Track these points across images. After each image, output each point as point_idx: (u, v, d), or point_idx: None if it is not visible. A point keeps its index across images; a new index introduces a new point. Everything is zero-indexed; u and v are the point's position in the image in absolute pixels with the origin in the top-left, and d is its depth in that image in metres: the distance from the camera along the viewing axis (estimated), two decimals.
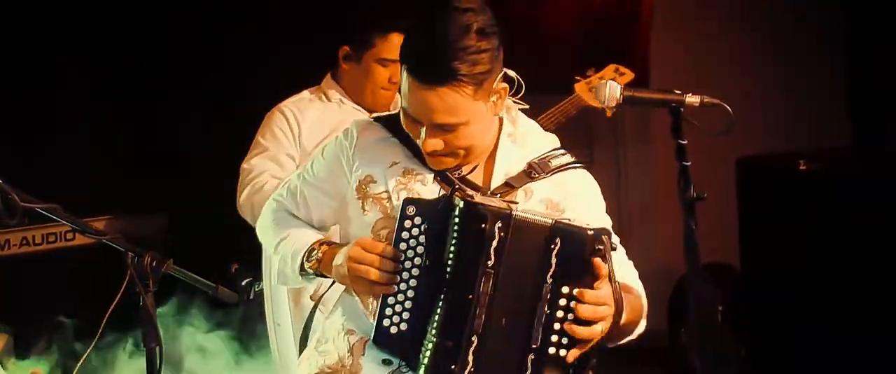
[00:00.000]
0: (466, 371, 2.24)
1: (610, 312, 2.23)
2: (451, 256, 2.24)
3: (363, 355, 2.37)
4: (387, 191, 2.38)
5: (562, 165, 2.44)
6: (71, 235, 4.45)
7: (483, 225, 2.22)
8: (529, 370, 2.23)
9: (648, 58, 5.44)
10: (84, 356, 3.03)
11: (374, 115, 2.54)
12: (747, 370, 5.19)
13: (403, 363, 2.32)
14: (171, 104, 4.87)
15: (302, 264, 2.46)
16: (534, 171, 2.40)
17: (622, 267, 2.40)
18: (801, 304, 5.00)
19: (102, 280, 2.70)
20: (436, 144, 2.30)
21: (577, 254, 2.22)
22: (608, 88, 2.36)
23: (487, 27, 2.24)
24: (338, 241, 2.51)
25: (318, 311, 2.70)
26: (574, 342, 2.23)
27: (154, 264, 2.42)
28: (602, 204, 2.50)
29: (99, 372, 4.16)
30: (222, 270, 3.84)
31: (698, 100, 2.33)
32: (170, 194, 4.81)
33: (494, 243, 2.22)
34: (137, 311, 2.44)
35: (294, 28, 4.90)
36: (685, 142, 2.34)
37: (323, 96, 3.79)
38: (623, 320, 2.29)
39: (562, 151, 2.49)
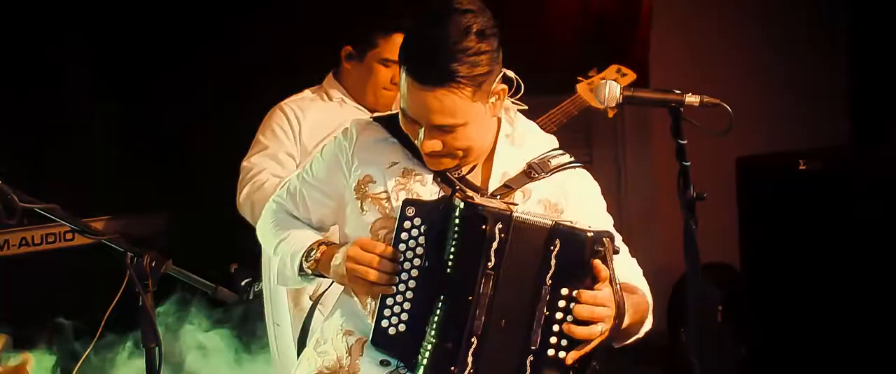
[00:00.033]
0: (466, 372, 2.24)
1: (609, 313, 2.22)
2: (450, 257, 2.24)
3: (361, 355, 2.37)
4: (386, 191, 2.38)
5: (561, 165, 2.44)
6: (70, 235, 4.45)
7: (483, 227, 2.22)
8: (528, 372, 2.23)
9: (648, 58, 5.44)
10: (84, 356, 3.03)
11: (374, 115, 2.54)
12: (747, 370, 5.19)
13: (402, 364, 2.33)
14: (171, 104, 4.86)
15: (300, 264, 2.46)
16: (533, 171, 2.40)
17: (626, 266, 2.39)
18: (801, 304, 5.00)
19: (102, 280, 2.69)
20: (434, 145, 2.30)
21: (576, 256, 2.22)
22: (608, 88, 2.37)
23: (487, 29, 2.24)
24: (337, 241, 2.51)
25: (317, 311, 2.70)
26: (573, 343, 2.23)
27: (153, 264, 2.42)
28: (602, 203, 2.50)
29: (99, 372, 4.16)
30: (222, 270, 3.84)
31: (698, 100, 2.34)
32: (169, 194, 4.80)
33: (495, 245, 2.22)
34: (137, 311, 2.44)
35: (295, 28, 4.89)
36: (685, 142, 2.35)
37: (324, 95, 3.78)
38: (627, 321, 2.28)
39: (560, 151, 2.49)
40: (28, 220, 2.27)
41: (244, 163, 3.69)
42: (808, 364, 4.99)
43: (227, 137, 4.04)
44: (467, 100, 2.25)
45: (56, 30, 4.68)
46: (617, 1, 5.52)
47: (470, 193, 2.33)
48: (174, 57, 4.85)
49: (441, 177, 2.37)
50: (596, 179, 2.53)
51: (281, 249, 2.52)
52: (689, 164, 2.36)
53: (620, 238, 2.42)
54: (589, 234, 2.22)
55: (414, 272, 2.28)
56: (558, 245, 2.23)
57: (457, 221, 2.24)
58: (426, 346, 2.25)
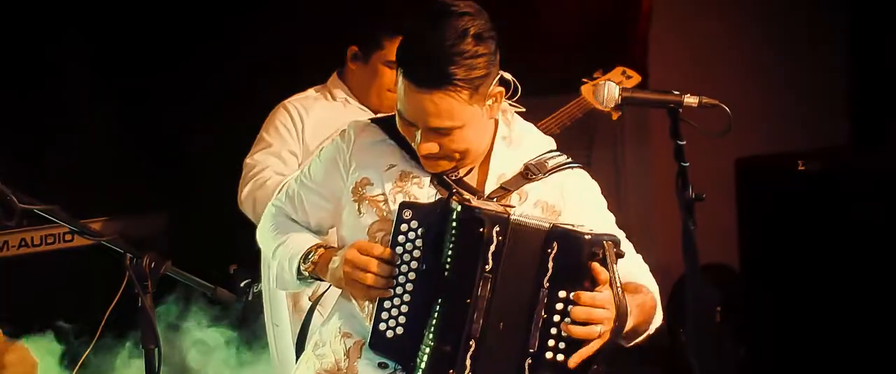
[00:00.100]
0: None
1: (608, 315, 2.21)
2: (448, 260, 2.24)
3: (360, 358, 2.37)
4: (383, 194, 2.38)
5: (558, 165, 2.43)
6: (70, 236, 4.45)
7: (481, 229, 2.22)
8: None
9: (647, 58, 5.44)
10: (83, 357, 3.03)
11: (371, 117, 2.54)
12: (746, 370, 5.19)
13: (400, 367, 2.32)
14: (171, 104, 4.86)
15: (298, 267, 2.46)
16: (530, 172, 2.40)
17: (631, 263, 2.38)
18: (801, 304, 5.00)
19: (101, 281, 2.69)
20: (431, 147, 2.30)
21: (574, 258, 2.21)
22: (607, 89, 2.37)
23: (484, 32, 2.24)
24: (336, 245, 2.51)
25: (316, 312, 2.70)
26: (572, 346, 2.22)
27: (152, 265, 2.42)
28: (602, 202, 2.49)
29: (98, 373, 4.16)
30: (222, 270, 3.84)
31: (697, 101, 2.34)
32: (169, 194, 4.80)
33: (492, 248, 2.22)
34: (136, 312, 2.44)
35: (295, 28, 4.89)
36: (684, 142, 2.35)
37: (328, 95, 3.78)
38: (631, 322, 2.28)
39: (558, 152, 2.48)
40: (27, 221, 2.26)
41: (247, 160, 3.69)
42: (808, 365, 4.99)
43: (227, 138, 4.04)
44: (464, 103, 2.24)
45: (56, 30, 4.68)
46: (616, 1, 5.52)
47: (467, 195, 2.32)
48: (174, 57, 4.84)
49: (438, 179, 2.37)
50: (595, 180, 2.53)
51: (279, 252, 2.52)
52: (687, 164, 2.36)
53: (624, 235, 2.42)
54: (586, 236, 2.21)
55: (411, 275, 2.27)
56: (556, 248, 2.22)
57: (454, 224, 2.24)
58: (424, 349, 2.25)
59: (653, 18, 5.52)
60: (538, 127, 2.61)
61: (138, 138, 4.86)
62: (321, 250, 2.44)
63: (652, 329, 2.42)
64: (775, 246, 5.14)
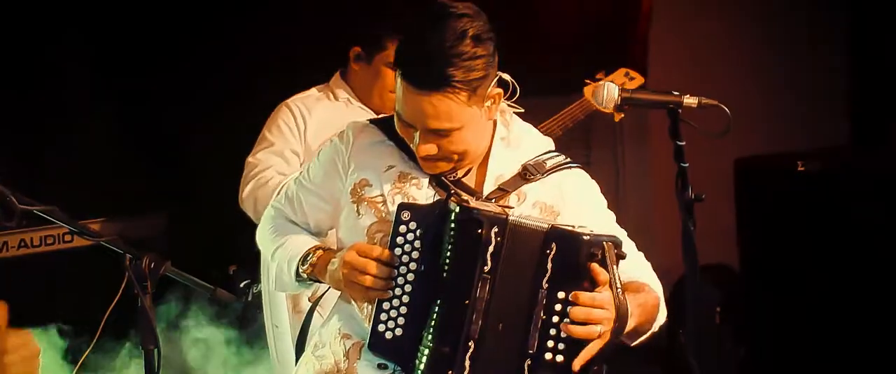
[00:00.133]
0: None
1: (607, 316, 2.21)
2: (446, 261, 2.24)
3: (359, 359, 2.37)
4: (382, 195, 2.38)
5: (557, 166, 2.43)
6: (69, 237, 4.45)
7: (479, 230, 2.22)
8: None
9: (647, 58, 5.44)
10: (82, 358, 3.02)
11: (370, 118, 2.54)
12: (746, 370, 5.19)
13: (399, 368, 2.32)
14: (171, 104, 4.86)
15: (297, 269, 2.46)
16: (529, 172, 2.40)
17: (632, 261, 2.37)
18: (800, 305, 5.00)
19: (101, 282, 2.69)
20: (429, 149, 2.30)
21: (573, 259, 2.21)
22: (606, 89, 2.37)
23: (483, 33, 2.24)
24: (335, 247, 2.51)
25: (316, 313, 2.70)
26: (571, 347, 2.22)
27: (152, 265, 2.41)
28: (601, 201, 2.49)
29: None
30: (221, 271, 3.84)
31: (696, 101, 2.34)
32: (169, 194, 4.80)
33: (491, 249, 2.22)
34: (136, 312, 2.44)
35: (295, 28, 4.89)
36: (683, 143, 2.35)
37: (331, 94, 3.78)
38: (633, 323, 2.28)
39: (556, 152, 2.48)
40: (27, 222, 2.26)
41: (249, 159, 3.69)
42: (808, 365, 4.99)
43: (227, 138, 4.04)
44: (463, 104, 2.24)
45: (56, 30, 4.68)
46: (616, 1, 5.51)
47: (465, 196, 2.32)
48: (174, 57, 4.84)
49: (436, 181, 2.37)
50: (594, 180, 2.53)
51: (278, 254, 2.52)
52: (687, 165, 2.36)
53: (625, 234, 2.42)
54: (585, 237, 2.21)
55: (410, 276, 2.28)
56: (554, 249, 2.22)
57: (452, 225, 2.24)
58: (423, 350, 2.25)
59: (653, 18, 5.52)
60: (540, 129, 2.61)
61: (138, 138, 4.86)
62: (320, 252, 2.44)
63: (656, 327, 2.43)
64: (775, 246, 5.14)
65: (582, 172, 2.49)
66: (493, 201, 2.35)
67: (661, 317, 2.43)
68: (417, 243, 2.27)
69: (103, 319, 2.59)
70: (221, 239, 4.06)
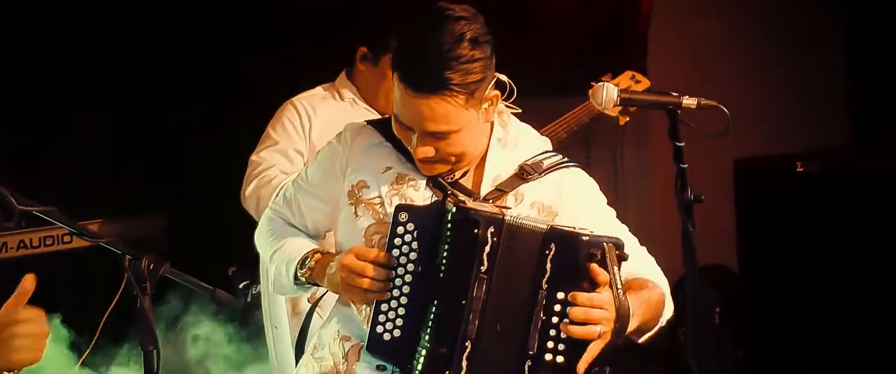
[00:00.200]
0: None
1: (607, 316, 2.20)
2: (443, 261, 2.24)
3: (358, 361, 2.37)
4: (380, 196, 2.37)
5: (554, 165, 2.43)
6: (68, 237, 4.44)
7: (475, 230, 2.22)
8: None
9: (647, 58, 5.44)
10: (82, 359, 3.03)
11: (368, 119, 2.54)
12: (745, 371, 5.19)
13: (398, 370, 2.32)
14: (171, 105, 4.86)
15: (296, 273, 2.46)
16: (525, 172, 2.39)
17: (635, 258, 2.35)
18: (799, 305, 5.00)
19: (101, 283, 2.69)
20: (427, 151, 2.30)
21: (572, 259, 2.21)
22: (605, 90, 2.37)
23: (480, 36, 2.24)
24: (333, 249, 2.50)
25: (315, 314, 2.70)
26: (571, 348, 2.22)
27: (151, 266, 2.41)
28: (601, 199, 2.48)
29: None
30: (221, 271, 3.84)
31: (695, 102, 2.34)
32: (169, 194, 4.80)
33: (487, 249, 2.22)
34: (135, 313, 2.43)
35: (295, 28, 4.89)
36: (682, 144, 2.35)
37: (336, 94, 3.77)
38: (636, 322, 2.27)
39: (553, 152, 2.48)
40: (26, 223, 2.25)
41: (253, 157, 3.69)
42: (807, 366, 4.99)
43: (227, 138, 4.04)
44: (460, 107, 2.24)
45: (56, 30, 4.68)
46: (616, 1, 5.51)
47: (462, 197, 2.32)
48: (174, 57, 4.84)
49: (433, 182, 2.37)
50: (593, 179, 2.52)
51: (276, 258, 2.51)
52: (686, 166, 2.36)
53: (626, 229, 2.42)
54: (585, 237, 2.21)
55: (408, 278, 2.27)
56: (553, 249, 2.22)
57: (449, 225, 2.24)
58: (420, 351, 2.25)
59: (652, 18, 5.52)
60: (545, 132, 2.61)
61: (138, 138, 4.86)
62: (318, 256, 2.44)
63: (663, 321, 2.42)
64: (774, 247, 5.14)
65: (580, 170, 2.48)
66: (491, 201, 2.34)
67: (668, 311, 2.42)
68: (415, 244, 2.26)
69: (102, 320, 2.59)
70: (221, 239, 4.06)
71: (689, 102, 2.33)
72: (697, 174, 2.44)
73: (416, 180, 2.37)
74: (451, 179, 2.38)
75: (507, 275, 2.23)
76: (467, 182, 2.40)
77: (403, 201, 2.33)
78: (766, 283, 5.15)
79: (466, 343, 2.23)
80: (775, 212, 5.15)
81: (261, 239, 2.60)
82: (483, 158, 2.41)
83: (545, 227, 2.25)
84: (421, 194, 2.36)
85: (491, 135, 2.41)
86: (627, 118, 3.79)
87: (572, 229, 2.24)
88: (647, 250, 2.47)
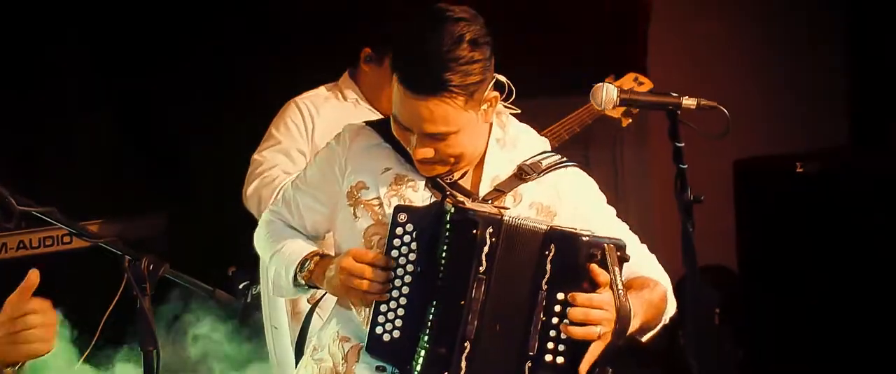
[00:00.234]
0: None
1: (607, 316, 2.20)
2: (442, 262, 2.24)
3: (357, 362, 2.37)
4: (378, 197, 2.37)
5: (552, 165, 2.43)
6: (68, 238, 4.44)
7: (474, 231, 2.22)
8: None
9: (647, 58, 5.43)
10: (81, 359, 3.03)
11: (367, 120, 2.54)
12: (745, 372, 5.19)
13: (397, 370, 2.32)
14: (171, 105, 4.86)
15: (295, 275, 2.46)
16: (524, 172, 2.39)
17: (637, 256, 2.35)
18: (799, 306, 5.00)
19: (100, 284, 2.69)
20: (426, 152, 2.30)
21: (572, 260, 2.21)
22: (605, 90, 2.36)
23: (479, 37, 2.24)
24: (332, 250, 2.50)
25: (315, 315, 2.70)
26: (571, 349, 2.22)
27: (151, 267, 2.40)
28: (600, 198, 2.48)
29: None
30: (221, 271, 3.84)
31: (695, 103, 2.34)
32: (169, 195, 4.80)
33: (486, 249, 2.22)
34: (135, 314, 2.43)
35: (295, 28, 4.89)
36: (682, 144, 2.35)
37: (339, 94, 3.76)
38: (638, 322, 2.27)
39: (552, 152, 2.48)
40: (25, 223, 2.25)
41: (255, 156, 3.68)
42: (807, 366, 4.99)
43: (227, 138, 4.04)
44: (459, 108, 2.24)
45: (56, 30, 4.68)
46: (615, 1, 5.51)
47: (461, 198, 2.32)
48: (174, 57, 4.84)
49: (432, 183, 2.37)
50: (592, 178, 2.52)
51: (275, 260, 2.51)
52: (686, 166, 2.36)
53: (627, 228, 2.41)
54: (584, 238, 2.21)
55: (407, 278, 2.27)
56: (553, 250, 2.22)
57: (448, 226, 2.24)
58: (420, 351, 2.25)
59: (653, 18, 5.51)
60: (547, 133, 2.60)
61: (138, 138, 4.86)
62: (317, 258, 2.44)
63: (666, 319, 2.42)
64: (774, 248, 5.14)
65: (578, 170, 2.48)
66: (489, 201, 2.34)
67: (671, 308, 2.42)
68: (414, 245, 2.26)
69: (102, 320, 2.59)
70: (221, 240, 4.06)
71: (689, 102, 2.33)
72: (697, 175, 2.44)
73: (414, 181, 2.37)
74: (450, 179, 2.38)
75: (506, 275, 2.23)
76: (466, 183, 2.40)
77: (402, 202, 2.33)
78: (766, 283, 5.15)
79: (466, 344, 2.23)
80: (775, 212, 5.15)
81: (260, 241, 2.60)
82: (482, 159, 2.40)
83: (545, 227, 2.25)
84: (420, 195, 2.36)
85: (490, 135, 2.41)
86: (630, 120, 3.79)
87: (572, 230, 2.24)
88: (648, 249, 2.47)
